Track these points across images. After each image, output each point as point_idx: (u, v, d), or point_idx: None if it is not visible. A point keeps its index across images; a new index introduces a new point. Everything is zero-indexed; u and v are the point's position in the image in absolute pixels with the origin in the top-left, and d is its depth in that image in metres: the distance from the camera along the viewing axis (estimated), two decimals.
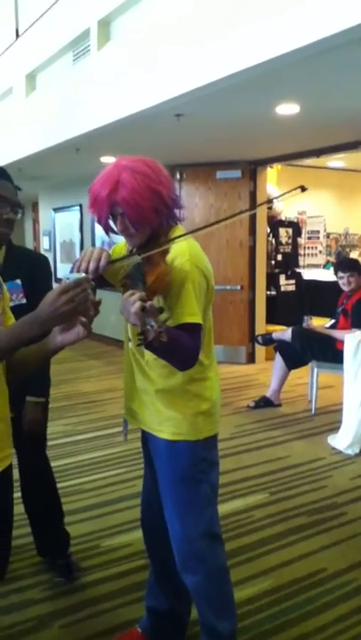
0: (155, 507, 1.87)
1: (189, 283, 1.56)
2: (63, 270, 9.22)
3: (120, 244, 1.84)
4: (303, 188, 1.70)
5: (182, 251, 1.60)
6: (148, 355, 1.68)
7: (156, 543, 1.96)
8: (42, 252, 9.92)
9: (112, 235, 1.72)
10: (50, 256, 9.53)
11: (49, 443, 2.53)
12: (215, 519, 1.82)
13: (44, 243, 9.94)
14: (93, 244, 8.03)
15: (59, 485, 2.58)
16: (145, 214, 1.57)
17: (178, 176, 6.65)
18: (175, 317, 1.56)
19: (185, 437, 1.72)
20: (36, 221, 10.93)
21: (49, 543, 2.53)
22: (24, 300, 2.15)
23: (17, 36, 6.19)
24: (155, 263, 1.54)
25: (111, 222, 1.67)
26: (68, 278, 1.27)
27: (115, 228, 1.67)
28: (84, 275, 1.33)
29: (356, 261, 4.95)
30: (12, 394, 1.54)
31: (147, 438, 1.83)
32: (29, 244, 12.58)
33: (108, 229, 1.68)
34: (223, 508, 3.03)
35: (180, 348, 1.52)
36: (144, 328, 1.33)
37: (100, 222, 1.65)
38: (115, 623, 2.16)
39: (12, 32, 6.25)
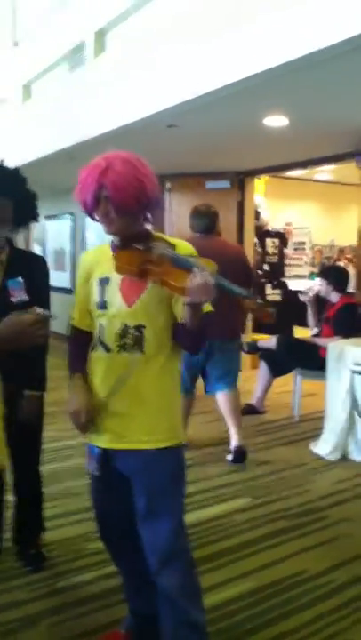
0: (115, 520, 1.91)
1: None
2: (55, 278, 9.23)
3: (89, 251, 1.97)
4: None
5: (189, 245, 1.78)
6: (135, 356, 1.72)
7: (126, 555, 1.98)
8: None
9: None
10: None
11: None
12: None
13: (36, 251, 9.97)
14: None
15: (47, 490, 2.64)
16: (128, 200, 1.65)
17: (168, 185, 6.73)
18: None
19: (174, 442, 1.78)
20: (28, 229, 10.92)
21: (28, 530, 2.63)
22: (26, 297, 2.27)
23: (13, 45, 6.26)
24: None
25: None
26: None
27: (95, 216, 1.75)
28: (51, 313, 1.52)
29: (327, 269, 5.11)
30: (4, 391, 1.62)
31: (117, 456, 1.79)
32: None
33: (90, 212, 1.74)
34: (206, 513, 3.11)
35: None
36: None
37: (85, 206, 1.72)
38: (102, 622, 2.21)
39: (10, 43, 6.32)
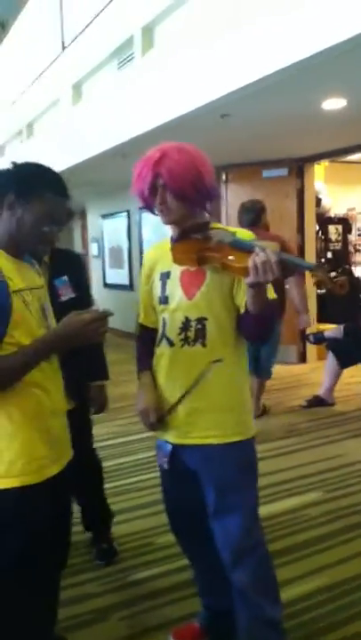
0: (186, 513, 1.89)
1: None
2: (112, 276, 9.38)
3: (150, 249, 1.93)
4: None
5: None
6: (209, 340, 1.69)
7: (197, 548, 1.95)
8: (91, 258, 10.15)
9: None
10: (99, 262, 9.76)
11: (104, 443, 2.60)
12: None
13: (93, 249, 10.14)
14: (141, 250, 8.14)
15: (113, 484, 2.64)
16: (185, 187, 1.62)
17: (223, 177, 6.65)
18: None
19: (242, 437, 1.73)
20: (84, 228, 11.13)
21: (96, 518, 2.67)
22: (73, 294, 2.31)
23: (63, 48, 6.36)
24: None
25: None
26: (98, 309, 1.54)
27: (152, 208, 1.72)
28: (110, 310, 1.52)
29: None
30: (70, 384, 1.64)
31: (185, 451, 1.77)
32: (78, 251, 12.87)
33: (148, 203, 1.71)
34: (278, 507, 3.04)
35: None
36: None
37: (142, 197, 1.69)
38: (173, 616, 2.19)
39: (58, 45, 6.43)
